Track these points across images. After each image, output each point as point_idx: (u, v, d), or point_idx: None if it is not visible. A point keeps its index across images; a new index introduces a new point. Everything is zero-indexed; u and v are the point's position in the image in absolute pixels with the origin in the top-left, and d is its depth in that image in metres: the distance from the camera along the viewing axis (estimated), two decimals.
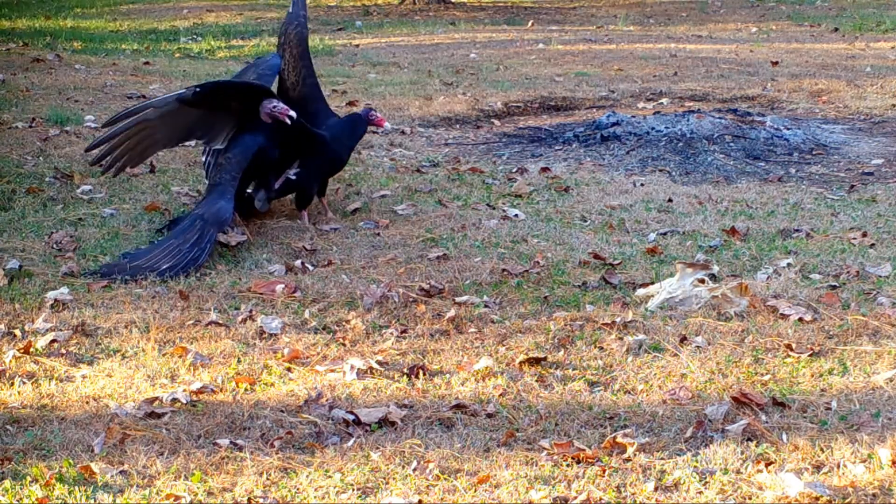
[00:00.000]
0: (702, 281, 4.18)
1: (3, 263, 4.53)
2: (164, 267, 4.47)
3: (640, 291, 4.27)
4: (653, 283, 4.33)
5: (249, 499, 2.87)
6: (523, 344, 3.80)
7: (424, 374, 3.56)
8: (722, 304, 4.09)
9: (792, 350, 3.73)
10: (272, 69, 5.47)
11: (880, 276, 4.45)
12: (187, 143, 6.67)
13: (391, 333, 3.88)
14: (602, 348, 3.78)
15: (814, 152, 6.74)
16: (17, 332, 3.88)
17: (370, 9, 16.55)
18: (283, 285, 4.28)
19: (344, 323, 3.99)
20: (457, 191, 5.81)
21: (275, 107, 5.00)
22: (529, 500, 2.86)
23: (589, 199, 5.65)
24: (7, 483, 2.90)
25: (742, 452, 3.06)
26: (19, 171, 5.94)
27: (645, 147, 6.71)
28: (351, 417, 3.25)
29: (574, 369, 3.63)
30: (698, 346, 3.79)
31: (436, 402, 3.40)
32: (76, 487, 2.89)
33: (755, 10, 15.78)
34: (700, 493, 2.89)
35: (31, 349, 3.74)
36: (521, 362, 3.65)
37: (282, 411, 3.31)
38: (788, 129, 7.09)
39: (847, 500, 2.84)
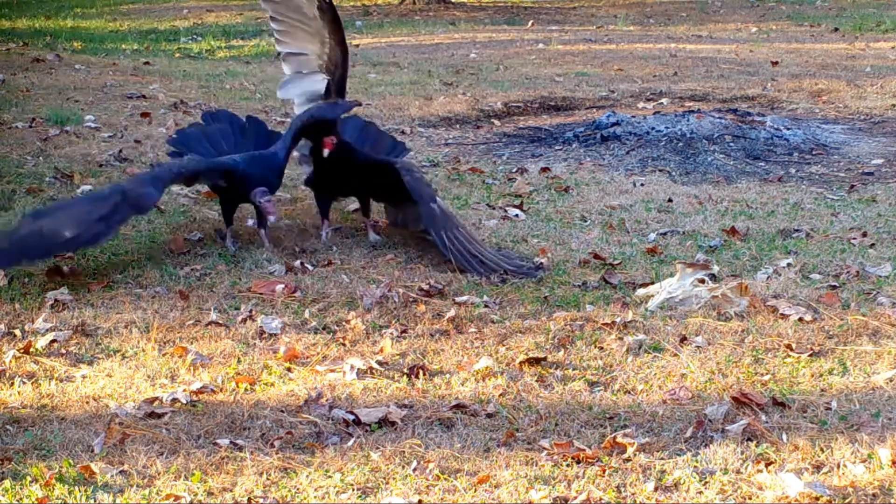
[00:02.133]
0: (702, 281, 4.18)
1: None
2: (67, 236, 4.24)
3: (640, 291, 4.27)
4: (653, 283, 4.33)
5: (249, 499, 2.87)
6: (523, 344, 3.80)
7: (424, 374, 3.56)
8: (722, 304, 4.09)
9: (792, 350, 3.73)
10: None
11: (880, 276, 4.45)
12: None
13: (391, 333, 3.88)
14: (602, 348, 3.78)
15: (814, 152, 6.74)
16: (17, 332, 3.88)
17: (370, 9, 16.55)
18: (283, 285, 4.29)
19: (344, 323, 3.99)
20: (457, 191, 5.81)
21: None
22: (529, 500, 2.86)
23: (589, 199, 5.65)
24: (7, 483, 2.90)
25: (742, 452, 3.06)
26: (19, 171, 5.94)
27: (645, 147, 6.71)
28: (351, 417, 3.25)
29: (574, 369, 3.64)
30: (698, 346, 3.79)
31: (436, 402, 3.40)
32: (76, 487, 2.89)
33: (755, 10, 15.78)
34: (700, 493, 2.89)
35: (31, 349, 3.74)
36: (521, 362, 3.65)
37: (282, 411, 3.31)
38: (788, 129, 7.09)
39: (847, 500, 2.84)
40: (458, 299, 4.19)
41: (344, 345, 3.81)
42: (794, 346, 3.76)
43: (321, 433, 3.19)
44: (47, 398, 3.40)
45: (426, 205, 4.69)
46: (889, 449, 3.03)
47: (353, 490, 2.90)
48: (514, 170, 6.28)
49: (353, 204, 5.48)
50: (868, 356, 3.70)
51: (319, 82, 5.21)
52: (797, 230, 5.05)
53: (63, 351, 3.75)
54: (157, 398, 3.37)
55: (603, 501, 2.85)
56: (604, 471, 2.97)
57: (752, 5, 16.28)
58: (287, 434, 3.17)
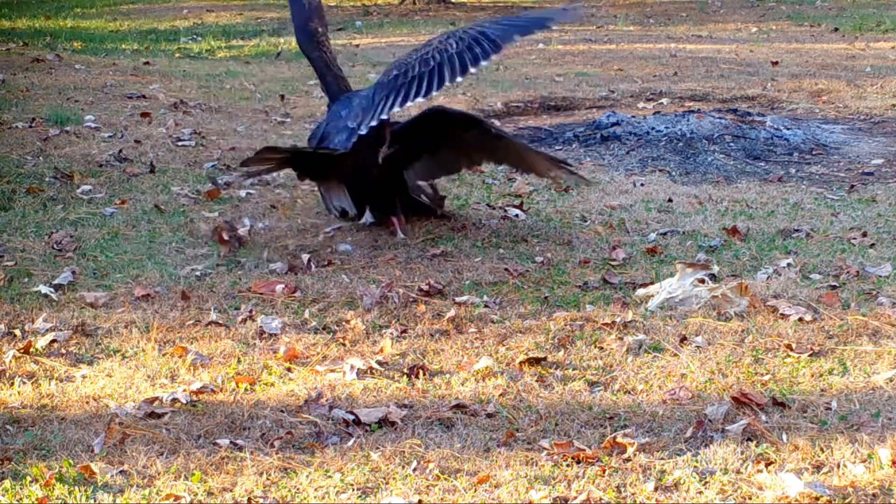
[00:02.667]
0: (702, 281, 4.18)
1: (2, 263, 4.54)
2: None
3: (640, 291, 4.27)
4: (653, 283, 4.33)
5: (249, 499, 2.87)
6: (523, 344, 3.80)
7: (424, 374, 3.56)
8: (722, 304, 4.09)
9: (792, 350, 3.73)
10: None
11: (880, 276, 4.45)
12: (187, 142, 6.69)
13: (391, 333, 3.88)
14: (602, 348, 3.78)
15: (814, 152, 6.74)
16: (17, 332, 3.88)
17: (370, 9, 16.55)
18: (283, 285, 4.29)
19: (344, 323, 3.99)
20: (457, 191, 5.81)
21: None
22: (529, 500, 2.86)
23: (589, 199, 5.65)
24: (7, 483, 2.90)
25: (742, 452, 3.06)
26: (19, 171, 5.94)
27: (645, 147, 6.70)
28: (351, 417, 3.25)
29: (574, 369, 3.64)
30: (698, 346, 3.79)
31: (436, 402, 3.40)
32: (76, 487, 2.89)
33: (755, 10, 15.78)
34: (700, 493, 2.89)
35: (31, 349, 3.74)
36: (521, 362, 3.65)
37: (282, 411, 3.32)
38: (788, 129, 7.09)
39: (847, 500, 2.84)
40: (458, 299, 4.19)
41: (344, 345, 3.81)
42: (794, 346, 3.76)
43: (321, 433, 3.19)
44: (47, 398, 3.40)
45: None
46: (889, 449, 3.03)
47: (353, 490, 2.90)
48: (515, 170, 6.27)
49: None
50: (868, 356, 3.70)
51: None
52: (797, 230, 5.05)
53: (63, 351, 3.75)
54: (157, 398, 3.37)
55: (603, 501, 2.85)
56: (604, 471, 2.97)
57: (752, 5, 16.27)
58: (287, 434, 3.17)
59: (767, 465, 2.99)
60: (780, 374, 3.58)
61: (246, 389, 3.47)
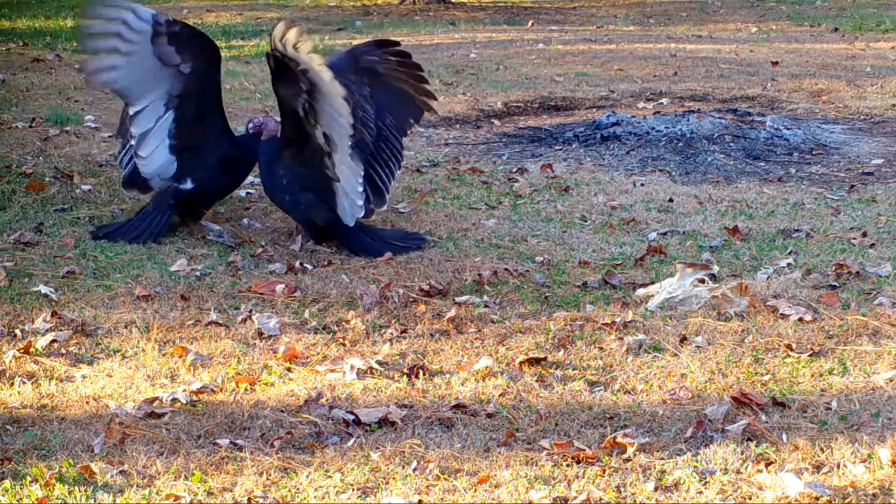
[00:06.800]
0: (702, 281, 4.19)
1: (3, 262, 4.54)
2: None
3: (640, 291, 4.27)
4: (653, 283, 4.33)
5: (249, 499, 2.87)
6: (523, 344, 3.80)
7: (424, 374, 3.56)
8: (722, 304, 4.09)
9: (792, 350, 3.73)
10: None
11: (880, 276, 4.45)
12: None
13: (391, 333, 3.88)
14: (602, 348, 3.78)
15: (814, 152, 6.74)
16: (18, 332, 3.88)
17: (370, 9, 16.54)
18: (283, 285, 4.29)
19: (344, 323, 3.99)
20: (457, 191, 5.81)
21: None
22: (529, 500, 2.86)
23: (589, 199, 5.65)
24: (7, 483, 2.90)
25: (742, 452, 3.06)
26: (19, 171, 5.95)
27: (645, 147, 6.70)
28: (351, 417, 3.25)
29: (574, 369, 3.64)
30: (698, 346, 3.79)
31: (436, 402, 3.40)
32: (76, 487, 2.89)
33: (755, 10, 15.78)
34: (700, 493, 2.89)
35: (31, 349, 3.74)
36: (521, 362, 3.65)
37: (282, 411, 3.32)
38: (788, 129, 7.09)
39: (847, 500, 2.84)
40: (458, 299, 4.19)
41: (344, 345, 3.81)
42: (794, 346, 3.76)
43: (321, 433, 3.19)
44: (47, 398, 3.40)
45: None
46: (889, 449, 3.03)
47: (353, 490, 2.90)
48: (514, 170, 6.27)
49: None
50: (868, 356, 3.70)
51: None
52: (797, 230, 5.05)
53: (63, 351, 3.75)
54: (157, 398, 3.37)
55: (603, 501, 2.85)
56: (604, 471, 2.97)
57: (752, 5, 16.27)
58: (287, 434, 3.17)
59: (767, 465, 2.99)
60: (780, 374, 3.58)
61: (246, 389, 3.47)
